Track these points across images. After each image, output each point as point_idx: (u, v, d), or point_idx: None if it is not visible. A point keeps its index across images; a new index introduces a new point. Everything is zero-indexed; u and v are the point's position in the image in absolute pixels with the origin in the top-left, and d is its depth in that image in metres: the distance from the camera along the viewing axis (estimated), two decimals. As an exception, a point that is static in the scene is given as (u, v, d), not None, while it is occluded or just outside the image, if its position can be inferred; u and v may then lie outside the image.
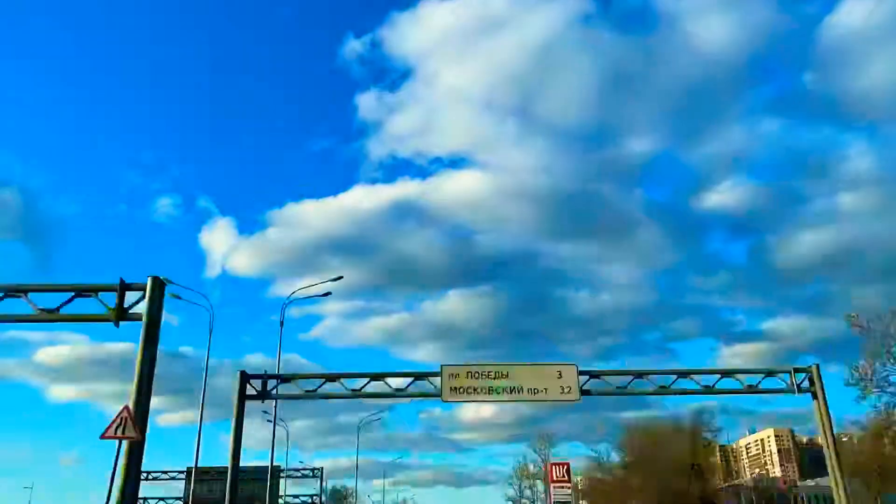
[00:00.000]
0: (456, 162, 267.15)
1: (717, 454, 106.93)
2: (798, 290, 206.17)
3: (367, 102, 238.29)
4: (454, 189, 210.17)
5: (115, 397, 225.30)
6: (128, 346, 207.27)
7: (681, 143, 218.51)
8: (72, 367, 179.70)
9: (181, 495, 50.59)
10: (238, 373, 23.92)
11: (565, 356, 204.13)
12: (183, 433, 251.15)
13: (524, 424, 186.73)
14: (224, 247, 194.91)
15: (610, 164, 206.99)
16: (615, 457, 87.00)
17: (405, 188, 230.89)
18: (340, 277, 21.28)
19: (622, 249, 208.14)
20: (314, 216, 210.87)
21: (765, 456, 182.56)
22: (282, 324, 34.29)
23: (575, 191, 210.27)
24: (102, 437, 13.02)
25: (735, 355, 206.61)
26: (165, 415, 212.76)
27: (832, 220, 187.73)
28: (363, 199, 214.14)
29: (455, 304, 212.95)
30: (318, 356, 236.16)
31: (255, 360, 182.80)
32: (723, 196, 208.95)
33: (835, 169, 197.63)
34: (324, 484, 58.77)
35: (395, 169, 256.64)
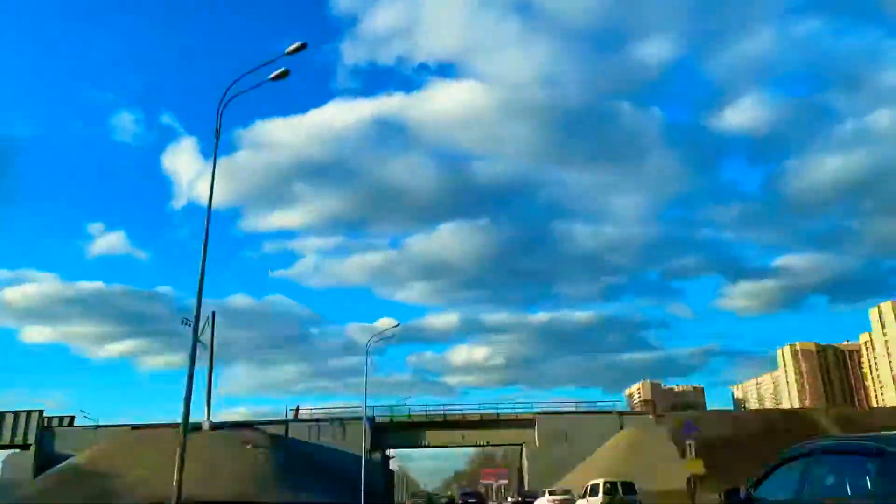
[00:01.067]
0: (446, 69, 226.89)
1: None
2: (814, 222, 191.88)
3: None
4: (444, 104, 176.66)
5: (93, 339, 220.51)
6: (99, 284, 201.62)
7: (700, 49, 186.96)
8: (43, 307, 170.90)
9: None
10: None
11: (565, 298, 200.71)
12: (168, 379, 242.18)
13: (517, 367, 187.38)
14: (190, 172, 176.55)
15: (622, 74, 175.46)
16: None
17: (387, 103, 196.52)
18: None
19: (632, 177, 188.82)
20: (285, 137, 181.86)
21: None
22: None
23: (583, 107, 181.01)
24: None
25: (741, 295, 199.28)
26: (148, 357, 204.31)
27: (862, 141, 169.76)
28: (339, 116, 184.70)
29: (446, 240, 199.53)
30: (298, 296, 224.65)
31: (240, 302, 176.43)
32: (744, 114, 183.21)
33: (873, 81, 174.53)
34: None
35: (375, 79, 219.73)
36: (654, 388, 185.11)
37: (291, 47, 18.12)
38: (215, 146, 18.80)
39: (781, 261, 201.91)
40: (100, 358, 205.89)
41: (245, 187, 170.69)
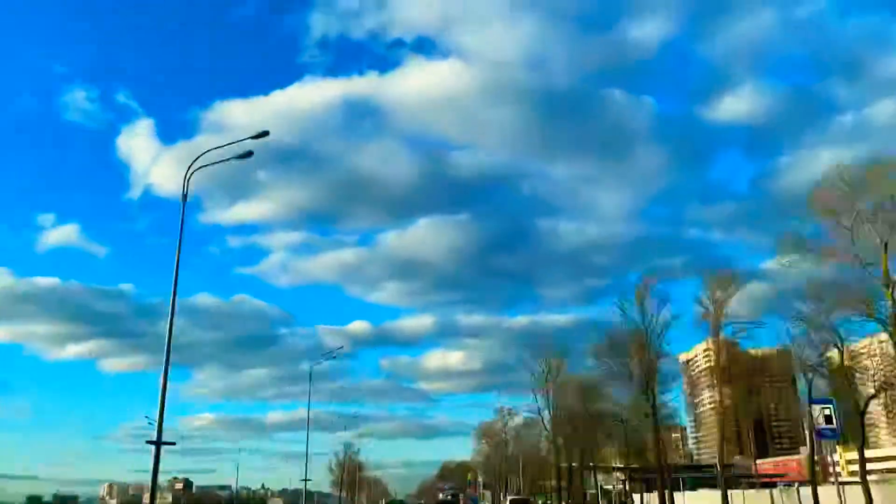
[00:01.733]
0: (424, 45, 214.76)
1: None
2: (800, 224, 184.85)
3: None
4: (421, 84, 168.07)
5: (51, 340, 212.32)
6: (54, 280, 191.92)
7: (697, 28, 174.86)
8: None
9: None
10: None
11: (544, 300, 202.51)
12: (132, 381, 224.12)
13: (493, 373, 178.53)
14: (146, 158, 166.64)
15: (613, 56, 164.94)
16: None
17: (358, 83, 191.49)
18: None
19: (619, 171, 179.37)
20: (246, 120, 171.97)
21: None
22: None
23: (571, 92, 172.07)
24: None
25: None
26: (110, 360, 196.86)
27: (861, 134, 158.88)
28: (305, 97, 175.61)
29: (421, 237, 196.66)
30: (265, 295, 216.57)
31: (205, 302, 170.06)
32: (740, 104, 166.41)
33: (876, 69, 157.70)
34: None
35: (346, 56, 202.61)
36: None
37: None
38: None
39: (768, 264, 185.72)
40: (59, 359, 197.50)
41: (204, 175, 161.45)
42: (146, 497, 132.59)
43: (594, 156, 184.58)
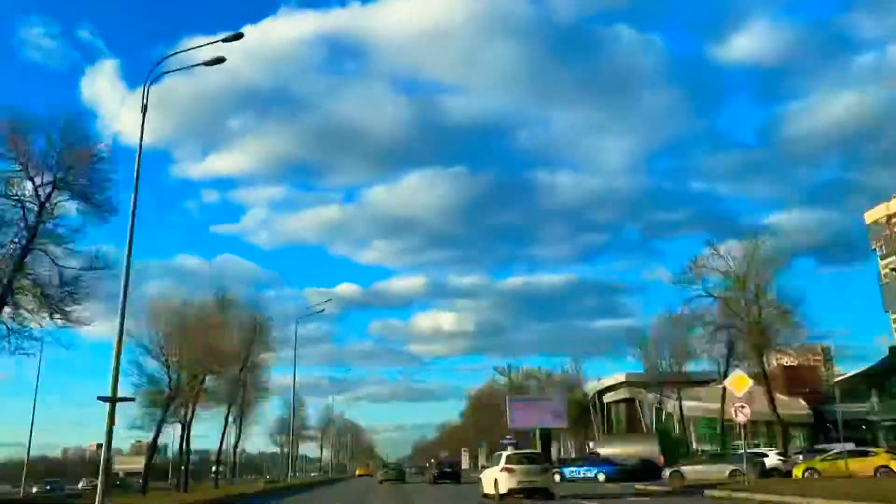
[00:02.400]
0: None
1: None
2: (812, 173, 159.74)
3: None
4: (410, 16, 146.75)
5: None
6: None
7: None
8: None
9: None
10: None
11: (540, 259, 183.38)
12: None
13: (486, 335, 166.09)
14: (113, 103, 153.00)
15: None
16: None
17: (339, 17, 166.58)
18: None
19: (623, 117, 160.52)
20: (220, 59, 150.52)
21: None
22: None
23: (575, 28, 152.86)
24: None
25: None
26: (92, 326, 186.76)
27: (878, 76, 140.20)
28: (280, 32, 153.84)
29: (411, 192, 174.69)
30: (247, 255, 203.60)
31: (188, 263, 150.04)
32: (754, 40, 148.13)
33: None
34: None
35: None
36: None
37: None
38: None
39: (776, 217, 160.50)
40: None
41: (173, 123, 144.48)
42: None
43: (597, 101, 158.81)
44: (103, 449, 17.16)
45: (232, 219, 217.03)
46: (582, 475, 39.48)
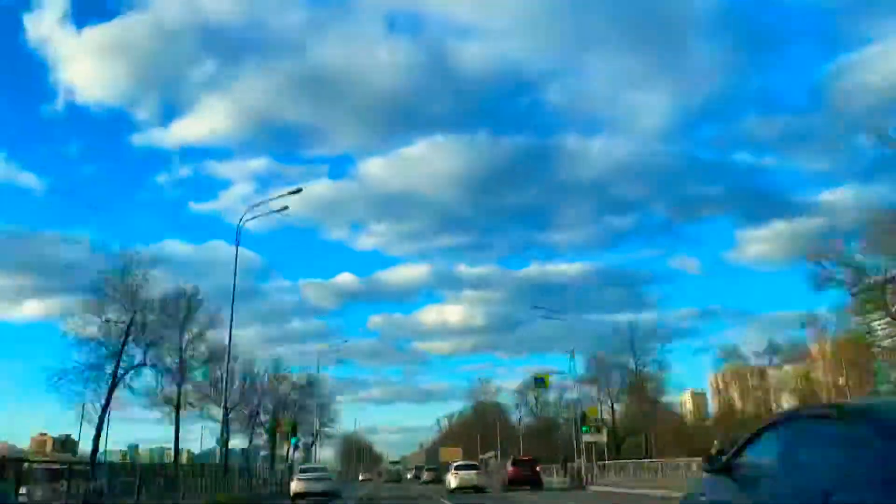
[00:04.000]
0: None
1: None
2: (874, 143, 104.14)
3: None
4: None
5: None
6: None
7: None
8: None
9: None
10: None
11: (558, 246, 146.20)
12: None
13: (497, 330, 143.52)
14: (62, 46, 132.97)
15: None
16: None
17: None
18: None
19: (666, 68, 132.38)
20: None
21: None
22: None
23: None
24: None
25: (757, 240, 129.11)
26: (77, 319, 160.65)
27: None
28: None
29: (415, 164, 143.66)
30: (229, 237, 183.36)
31: (177, 250, 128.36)
32: None
33: None
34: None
35: None
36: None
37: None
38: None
39: (827, 195, 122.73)
40: (15, 319, 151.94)
41: (128, 74, 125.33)
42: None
43: (638, 49, 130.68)
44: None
45: (209, 195, 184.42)
46: None
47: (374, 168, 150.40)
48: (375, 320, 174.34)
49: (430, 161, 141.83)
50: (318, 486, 28.89)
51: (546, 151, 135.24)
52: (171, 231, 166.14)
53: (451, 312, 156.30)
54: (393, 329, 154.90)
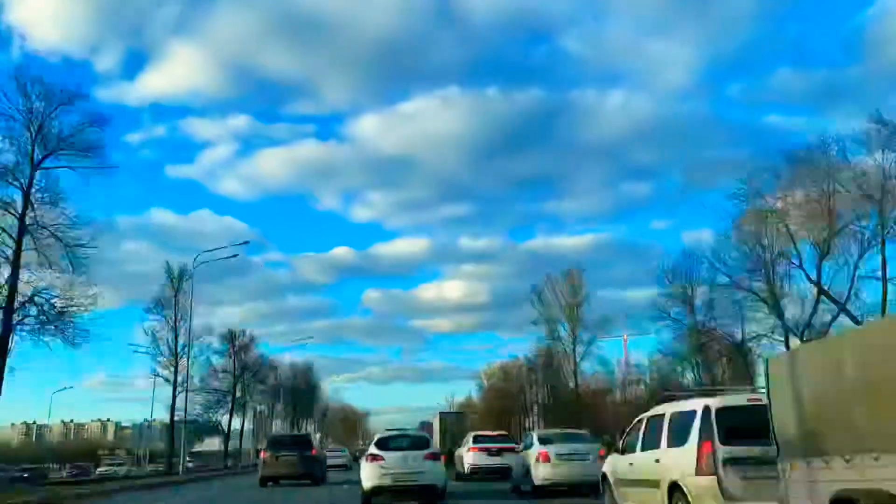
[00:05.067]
0: None
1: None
2: None
3: None
4: None
5: None
6: None
7: None
8: None
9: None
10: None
11: (567, 216, 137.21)
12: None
13: (501, 307, 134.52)
14: None
15: None
16: None
17: None
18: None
19: (691, 13, 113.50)
20: None
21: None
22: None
23: None
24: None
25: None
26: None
27: None
28: None
29: (415, 124, 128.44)
30: (216, 206, 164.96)
31: (163, 220, 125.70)
32: None
33: None
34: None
35: None
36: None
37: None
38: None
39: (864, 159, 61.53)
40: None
41: (87, 15, 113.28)
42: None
43: None
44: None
45: (186, 158, 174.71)
46: None
47: (368, 128, 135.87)
48: (372, 296, 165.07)
49: (431, 120, 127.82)
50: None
51: (560, 108, 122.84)
52: (151, 198, 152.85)
53: (452, 288, 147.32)
54: (391, 306, 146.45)
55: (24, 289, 24.74)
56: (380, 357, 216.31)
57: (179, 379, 43.10)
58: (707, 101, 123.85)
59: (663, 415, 9.24)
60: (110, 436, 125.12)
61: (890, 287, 29.19)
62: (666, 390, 24.13)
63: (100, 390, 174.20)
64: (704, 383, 37.37)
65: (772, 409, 6.67)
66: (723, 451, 7.75)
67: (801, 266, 32.81)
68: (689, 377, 47.51)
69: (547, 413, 66.95)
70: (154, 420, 61.93)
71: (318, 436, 63.75)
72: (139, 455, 69.29)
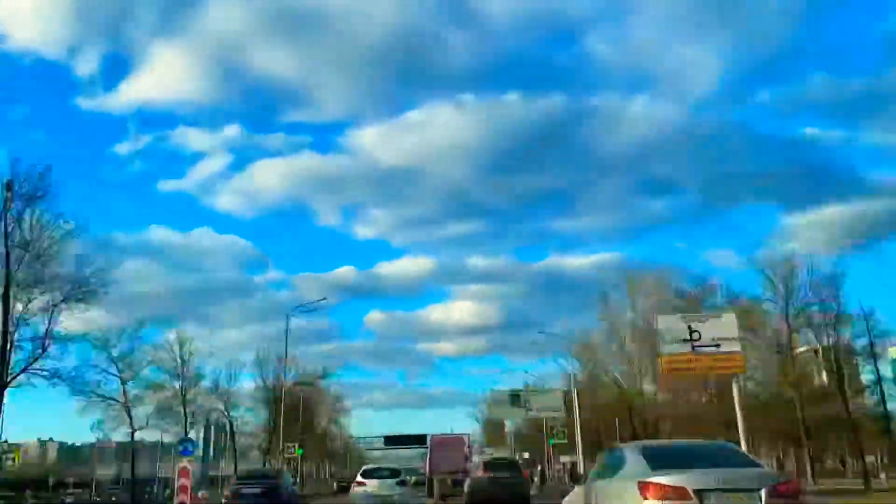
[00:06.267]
0: None
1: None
2: None
3: None
4: None
5: None
6: None
7: None
8: None
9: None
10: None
11: (581, 234, 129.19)
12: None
13: (510, 327, 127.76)
14: None
15: None
16: None
17: None
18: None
19: (722, 15, 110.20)
20: None
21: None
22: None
23: None
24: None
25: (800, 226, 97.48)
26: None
27: None
28: None
29: (420, 136, 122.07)
30: (215, 224, 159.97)
31: (162, 238, 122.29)
32: None
33: None
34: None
35: None
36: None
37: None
38: None
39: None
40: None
41: (62, 12, 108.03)
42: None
43: None
44: None
45: (176, 171, 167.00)
46: None
47: (369, 140, 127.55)
48: (375, 317, 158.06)
49: (441, 129, 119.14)
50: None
51: (581, 114, 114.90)
52: (142, 214, 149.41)
53: (459, 311, 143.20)
54: (395, 328, 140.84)
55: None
56: (378, 382, 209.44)
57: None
58: (735, 110, 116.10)
59: None
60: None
61: None
62: None
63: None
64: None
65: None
66: None
67: None
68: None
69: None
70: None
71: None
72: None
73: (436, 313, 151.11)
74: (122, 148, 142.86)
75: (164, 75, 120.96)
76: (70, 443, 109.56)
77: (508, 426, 75.73)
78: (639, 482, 7.34)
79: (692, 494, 6.96)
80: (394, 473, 22.09)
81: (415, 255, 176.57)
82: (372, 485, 20.81)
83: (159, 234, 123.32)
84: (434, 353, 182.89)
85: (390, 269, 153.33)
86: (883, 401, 39.23)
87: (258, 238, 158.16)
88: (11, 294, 24.70)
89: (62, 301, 26.68)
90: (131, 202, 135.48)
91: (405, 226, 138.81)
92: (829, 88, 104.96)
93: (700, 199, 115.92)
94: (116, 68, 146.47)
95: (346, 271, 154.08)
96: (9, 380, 25.03)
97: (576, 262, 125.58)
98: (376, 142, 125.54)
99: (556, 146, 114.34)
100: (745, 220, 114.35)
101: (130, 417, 39.96)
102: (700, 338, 21.45)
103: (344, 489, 41.86)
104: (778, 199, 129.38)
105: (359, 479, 21.63)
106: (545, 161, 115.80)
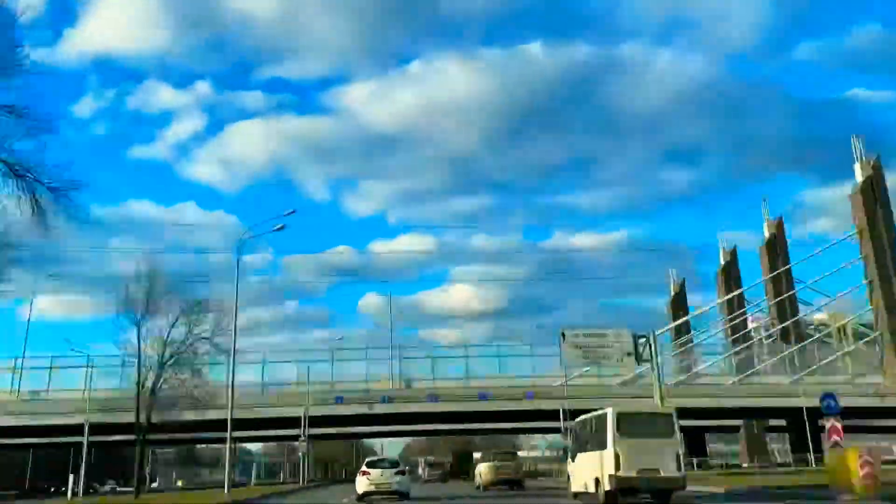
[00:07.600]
0: None
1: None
2: None
3: None
4: None
5: None
6: None
7: None
8: None
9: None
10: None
11: (593, 209, 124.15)
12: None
13: (517, 316, 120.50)
14: None
15: None
16: None
17: None
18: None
19: None
20: None
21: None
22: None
23: None
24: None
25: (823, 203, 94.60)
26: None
27: None
28: None
29: (417, 95, 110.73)
30: (197, 197, 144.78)
31: (144, 212, 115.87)
32: None
33: None
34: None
35: None
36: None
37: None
38: None
39: None
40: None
41: None
42: None
43: None
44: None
45: (145, 136, 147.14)
46: None
47: (360, 99, 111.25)
48: (370, 301, 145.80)
49: (445, 86, 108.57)
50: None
51: (605, 67, 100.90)
52: (138, 191, 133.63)
53: (460, 295, 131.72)
54: (388, 314, 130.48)
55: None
56: (375, 371, 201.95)
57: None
58: (769, 59, 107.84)
59: None
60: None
61: None
62: None
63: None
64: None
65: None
66: None
67: None
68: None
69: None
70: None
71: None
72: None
73: (435, 299, 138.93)
74: (84, 108, 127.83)
75: (114, 16, 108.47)
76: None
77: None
78: None
79: None
80: (393, 464, 25.51)
81: (411, 233, 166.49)
82: (375, 474, 24.00)
83: (143, 208, 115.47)
84: (434, 339, 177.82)
85: (385, 248, 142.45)
86: None
87: (241, 211, 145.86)
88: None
89: None
90: (107, 174, 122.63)
91: (399, 202, 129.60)
92: (880, 43, 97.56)
93: (723, 170, 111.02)
94: (64, 13, 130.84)
95: (343, 249, 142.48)
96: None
97: (585, 239, 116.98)
98: (368, 102, 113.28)
99: (576, 106, 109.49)
100: (773, 191, 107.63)
101: None
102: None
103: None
104: (812, 170, 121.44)
105: (363, 469, 24.93)
106: (563, 122, 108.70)
